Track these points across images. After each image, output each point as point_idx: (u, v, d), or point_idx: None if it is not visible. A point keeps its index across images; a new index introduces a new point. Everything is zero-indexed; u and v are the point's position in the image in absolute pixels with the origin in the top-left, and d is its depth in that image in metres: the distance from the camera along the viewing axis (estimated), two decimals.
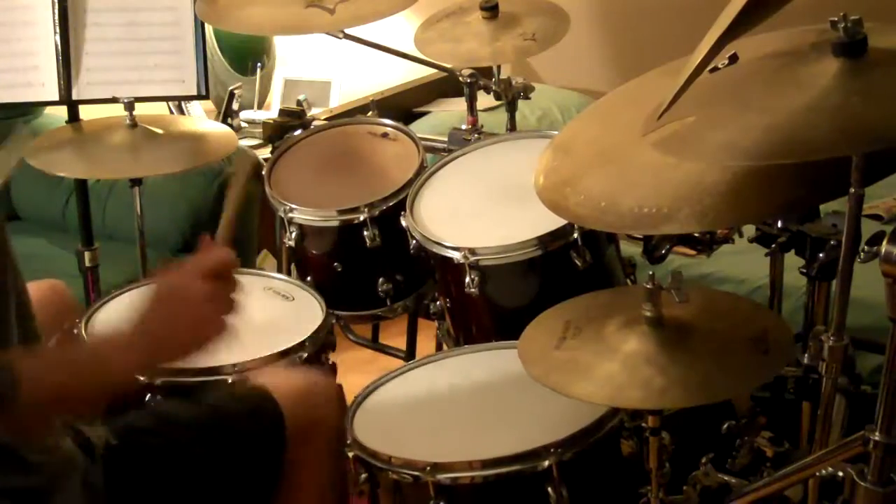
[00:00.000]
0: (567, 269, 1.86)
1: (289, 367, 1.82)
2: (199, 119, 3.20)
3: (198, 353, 1.38)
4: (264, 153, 2.80)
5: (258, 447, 1.60)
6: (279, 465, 1.60)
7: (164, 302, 1.37)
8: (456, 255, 1.89)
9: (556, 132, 1.88)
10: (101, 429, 1.51)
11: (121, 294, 2.06)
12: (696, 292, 1.51)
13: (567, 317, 1.55)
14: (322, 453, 1.66)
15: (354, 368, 2.04)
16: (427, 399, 1.75)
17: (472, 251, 1.87)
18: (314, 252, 2.23)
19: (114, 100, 2.33)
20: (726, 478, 1.60)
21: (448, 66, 2.48)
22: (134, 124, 2.26)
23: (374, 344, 2.69)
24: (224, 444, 1.58)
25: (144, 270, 2.39)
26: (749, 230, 1.82)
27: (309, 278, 2.20)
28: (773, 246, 1.77)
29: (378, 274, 2.19)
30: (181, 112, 3.18)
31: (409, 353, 2.59)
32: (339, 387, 1.78)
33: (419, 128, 2.98)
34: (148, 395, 1.76)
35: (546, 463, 1.51)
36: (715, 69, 1.31)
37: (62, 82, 2.34)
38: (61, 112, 2.45)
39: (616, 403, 1.50)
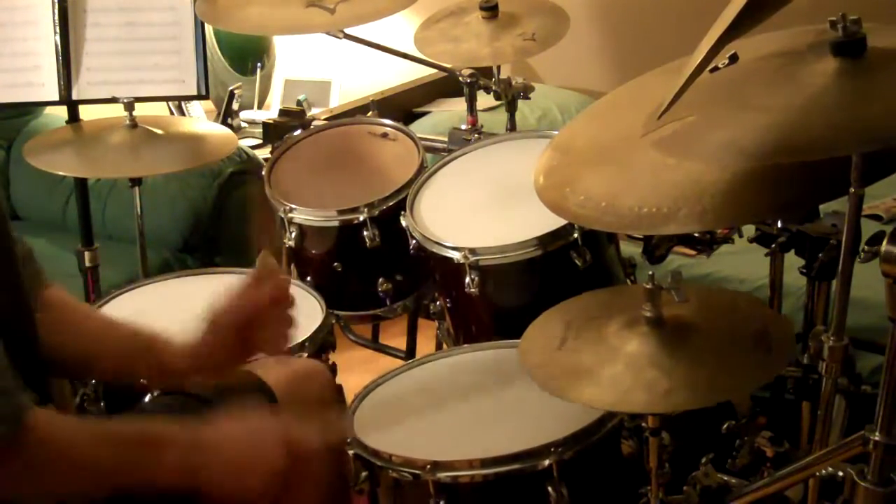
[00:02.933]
0: (567, 269, 1.86)
1: (278, 357, 1.77)
2: (199, 119, 3.20)
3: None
4: (264, 153, 2.81)
5: None
6: None
7: (237, 441, 1.31)
8: (456, 255, 1.89)
9: (556, 132, 1.88)
10: None
11: (121, 294, 2.06)
12: (696, 292, 1.51)
13: (567, 317, 1.55)
14: None
15: (354, 368, 2.04)
16: (427, 398, 1.75)
17: (472, 251, 1.87)
18: (314, 252, 2.23)
19: (114, 100, 2.33)
20: (726, 478, 1.60)
21: (448, 66, 2.48)
22: (134, 124, 2.26)
23: (374, 344, 2.69)
24: None
25: (144, 270, 2.39)
26: (749, 230, 1.82)
27: (309, 278, 2.20)
28: (773, 246, 1.77)
29: (378, 274, 2.19)
30: (181, 112, 3.19)
31: (409, 353, 2.59)
32: (328, 373, 1.76)
33: (419, 128, 2.98)
34: (148, 396, 1.76)
35: (546, 462, 1.51)
36: (715, 69, 1.32)
37: (62, 82, 2.34)
38: (61, 112, 2.46)
39: (622, 408, 1.49)
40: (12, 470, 1.18)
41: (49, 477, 1.21)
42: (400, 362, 2.07)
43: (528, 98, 2.41)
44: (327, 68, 3.80)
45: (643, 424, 1.49)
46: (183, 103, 3.18)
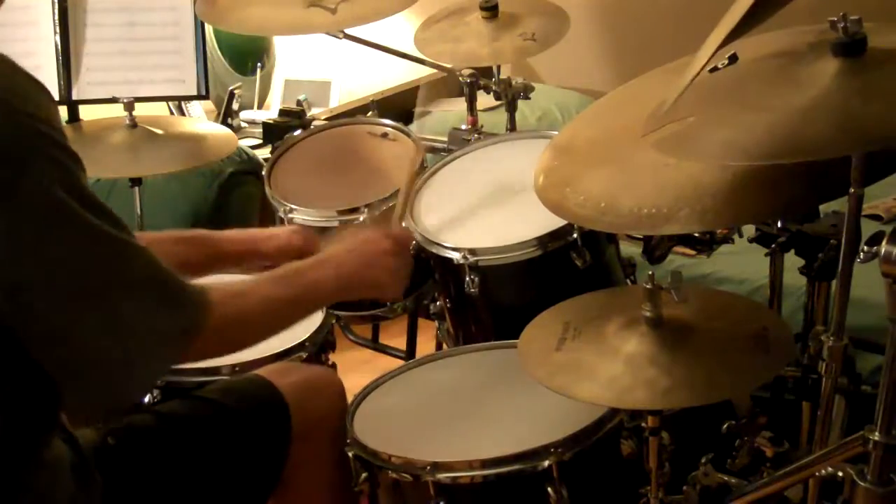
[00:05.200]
0: (567, 269, 1.85)
1: (292, 363, 1.82)
2: (199, 119, 3.20)
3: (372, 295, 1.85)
4: (264, 153, 2.81)
5: (263, 442, 1.60)
6: (283, 460, 1.60)
7: (359, 247, 1.65)
8: (455, 256, 1.89)
9: (556, 132, 1.88)
10: (90, 431, 1.50)
11: None
12: (695, 292, 1.51)
13: (566, 317, 1.55)
14: (325, 449, 1.65)
15: (354, 368, 2.04)
16: (427, 399, 1.75)
17: (472, 251, 1.87)
18: (314, 252, 2.22)
19: (114, 100, 2.33)
20: (726, 478, 1.60)
21: (448, 66, 2.48)
22: (134, 124, 2.26)
23: (374, 344, 2.69)
24: (227, 440, 1.58)
25: None
26: (749, 230, 1.81)
27: None
28: (773, 246, 1.77)
29: None
30: (181, 112, 3.19)
31: (409, 353, 2.59)
32: (341, 383, 1.77)
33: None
34: (147, 396, 1.76)
35: (546, 463, 1.51)
36: (715, 69, 1.32)
37: (62, 82, 2.34)
38: (61, 112, 2.45)
39: (622, 405, 1.50)
40: (209, 345, 1.37)
41: (233, 342, 1.45)
42: (400, 362, 2.07)
43: (528, 98, 2.41)
44: (327, 68, 3.80)
45: (643, 425, 1.49)
46: (183, 103, 3.18)
